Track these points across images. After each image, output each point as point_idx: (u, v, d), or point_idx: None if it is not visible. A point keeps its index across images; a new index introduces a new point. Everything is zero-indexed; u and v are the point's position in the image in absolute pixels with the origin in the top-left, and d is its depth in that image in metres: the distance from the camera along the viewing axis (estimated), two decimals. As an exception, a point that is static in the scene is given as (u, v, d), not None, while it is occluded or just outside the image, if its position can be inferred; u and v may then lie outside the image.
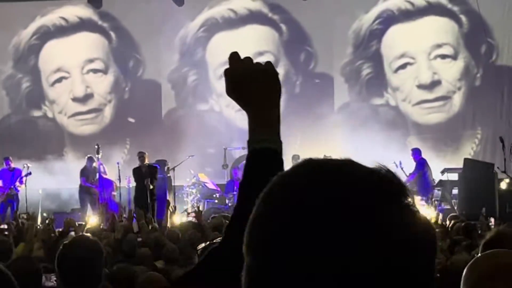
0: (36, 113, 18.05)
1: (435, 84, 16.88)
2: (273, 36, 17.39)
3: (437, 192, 14.40)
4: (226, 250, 1.41)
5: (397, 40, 17.11)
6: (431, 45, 16.88)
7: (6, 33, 17.60)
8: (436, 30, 16.95)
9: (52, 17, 17.96)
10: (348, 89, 17.17)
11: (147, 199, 13.46)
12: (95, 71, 17.92)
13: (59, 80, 17.94)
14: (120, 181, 14.68)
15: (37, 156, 16.35)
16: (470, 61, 16.83)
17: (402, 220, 0.89)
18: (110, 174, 15.12)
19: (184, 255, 6.33)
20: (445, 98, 16.89)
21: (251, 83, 1.49)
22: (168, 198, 14.66)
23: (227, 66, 1.53)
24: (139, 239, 7.52)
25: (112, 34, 17.84)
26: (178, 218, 10.97)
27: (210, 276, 1.42)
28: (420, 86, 16.93)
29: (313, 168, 0.94)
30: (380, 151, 14.05)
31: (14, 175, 14.93)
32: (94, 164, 14.84)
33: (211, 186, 15.21)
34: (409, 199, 0.92)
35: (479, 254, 2.24)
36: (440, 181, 14.40)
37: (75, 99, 17.88)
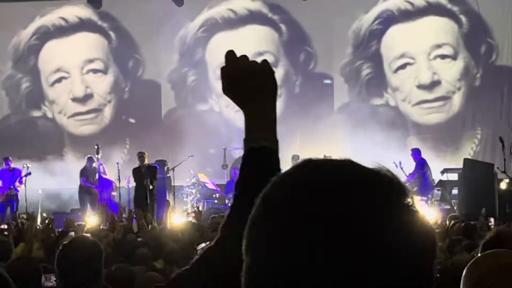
0: (36, 113, 18.05)
1: (435, 84, 16.89)
2: (273, 36, 17.38)
3: (437, 192, 14.41)
4: (221, 249, 1.41)
5: (397, 40, 17.11)
6: (431, 45, 16.88)
7: (6, 33, 17.60)
8: (436, 30, 16.95)
9: (52, 17, 17.96)
10: (348, 89, 17.18)
11: (147, 199, 13.46)
12: (94, 71, 17.92)
13: (58, 80, 17.94)
14: (119, 181, 14.69)
15: (37, 156, 16.34)
16: (469, 61, 16.84)
17: (402, 221, 0.89)
18: (110, 174, 15.11)
19: (184, 255, 6.32)
20: (445, 98, 16.89)
21: (247, 82, 1.48)
22: (168, 198, 14.68)
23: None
24: (139, 239, 7.52)
25: (112, 34, 17.84)
26: (178, 218, 10.97)
27: (205, 275, 1.42)
28: (420, 86, 16.93)
29: (313, 168, 0.93)
30: (380, 151, 14.03)
31: (14, 175, 14.93)
32: (94, 164, 14.84)
33: (210, 186, 15.20)
34: (409, 199, 0.92)
35: (479, 254, 2.24)
36: (440, 181, 14.39)
37: (74, 99, 17.88)
